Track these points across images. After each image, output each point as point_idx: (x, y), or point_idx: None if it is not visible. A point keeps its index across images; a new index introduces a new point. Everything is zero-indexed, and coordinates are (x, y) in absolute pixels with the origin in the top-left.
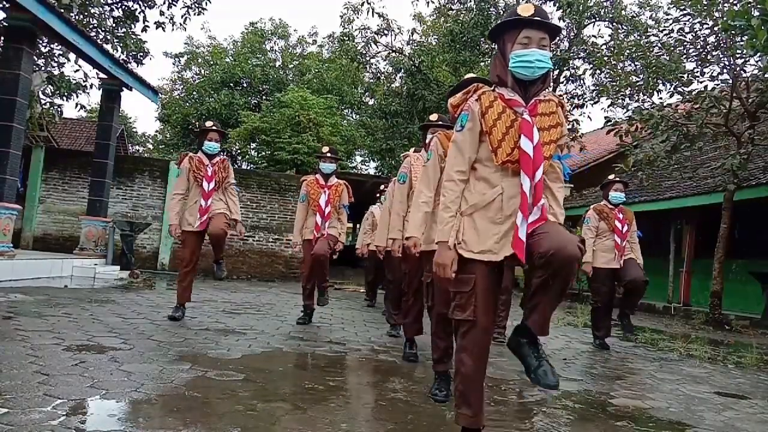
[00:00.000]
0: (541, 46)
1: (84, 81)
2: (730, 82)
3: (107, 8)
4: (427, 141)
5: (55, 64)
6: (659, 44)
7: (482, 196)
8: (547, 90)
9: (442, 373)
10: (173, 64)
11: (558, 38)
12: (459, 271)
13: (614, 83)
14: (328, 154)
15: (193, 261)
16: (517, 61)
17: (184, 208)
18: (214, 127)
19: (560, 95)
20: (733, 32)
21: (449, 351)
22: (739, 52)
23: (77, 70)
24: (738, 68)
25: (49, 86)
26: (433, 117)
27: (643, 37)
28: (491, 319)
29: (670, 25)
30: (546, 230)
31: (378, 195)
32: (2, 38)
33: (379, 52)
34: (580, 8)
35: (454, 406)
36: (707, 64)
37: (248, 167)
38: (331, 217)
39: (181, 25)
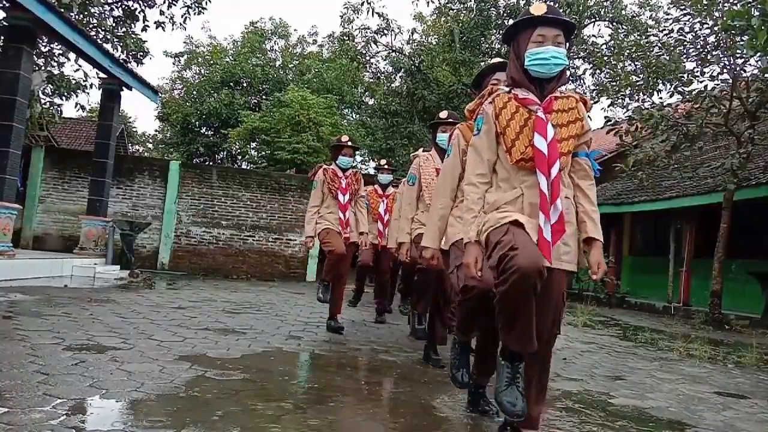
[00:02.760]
0: (557, 43)
1: (84, 81)
2: (730, 82)
3: (107, 8)
4: (437, 140)
5: (55, 64)
6: (659, 44)
7: (504, 195)
8: (565, 87)
9: (463, 344)
10: (173, 63)
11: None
12: (491, 238)
13: (614, 83)
14: (386, 166)
15: (341, 253)
16: (532, 60)
17: (318, 218)
18: (349, 143)
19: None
20: (733, 32)
21: (474, 326)
22: (739, 52)
23: (77, 70)
24: (738, 68)
25: (49, 86)
26: (443, 114)
27: (643, 37)
28: (538, 254)
29: (670, 25)
30: (539, 309)
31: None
32: (2, 38)
33: (379, 51)
34: (580, 8)
35: (501, 337)
36: (707, 64)
37: (248, 167)
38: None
39: (181, 24)
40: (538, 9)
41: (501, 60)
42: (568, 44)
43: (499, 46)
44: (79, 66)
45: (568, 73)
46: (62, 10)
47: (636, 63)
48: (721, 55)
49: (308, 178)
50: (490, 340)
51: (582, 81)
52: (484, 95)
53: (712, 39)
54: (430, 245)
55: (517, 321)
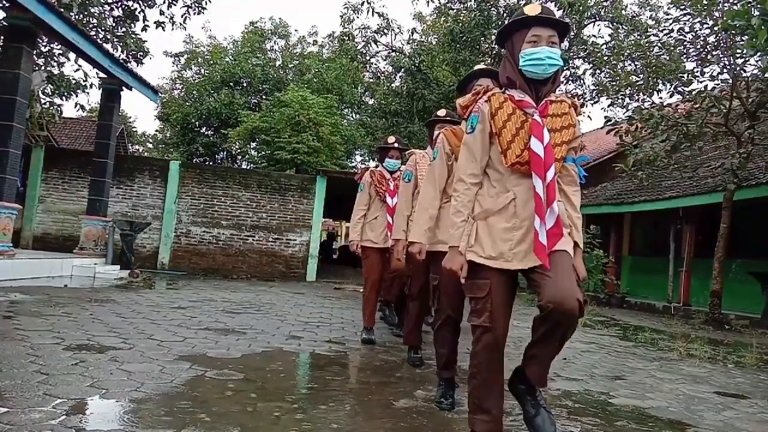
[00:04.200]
0: (551, 43)
1: (84, 81)
2: (730, 81)
3: (107, 7)
4: (434, 138)
5: (55, 64)
6: (659, 44)
7: (495, 201)
8: (559, 91)
9: (448, 380)
10: (173, 63)
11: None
12: (473, 277)
13: (614, 83)
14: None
15: (378, 278)
16: (527, 60)
17: (364, 222)
18: (395, 144)
19: (570, 95)
20: (733, 32)
21: (454, 357)
22: (739, 51)
23: (77, 70)
24: (738, 68)
25: (49, 85)
26: (441, 113)
27: (643, 37)
28: (506, 324)
29: (670, 24)
30: (549, 274)
31: None
32: (2, 38)
33: (379, 51)
34: (581, 8)
35: (468, 412)
36: (707, 64)
37: (248, 167)
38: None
39: (181, 24)
40: (532, 9)
41: (485, 66)
42: (568, 44)
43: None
44: (79, 66)
45: (567, 73)
46: (62, 10)
47: (636, 63)
48: (721, 55)
49: (355, 180)
50: (449, 334)
51: (582, 81)
52: (478, 92)
53: (712, 39)
54: (417, 239)
55: (490, 390)
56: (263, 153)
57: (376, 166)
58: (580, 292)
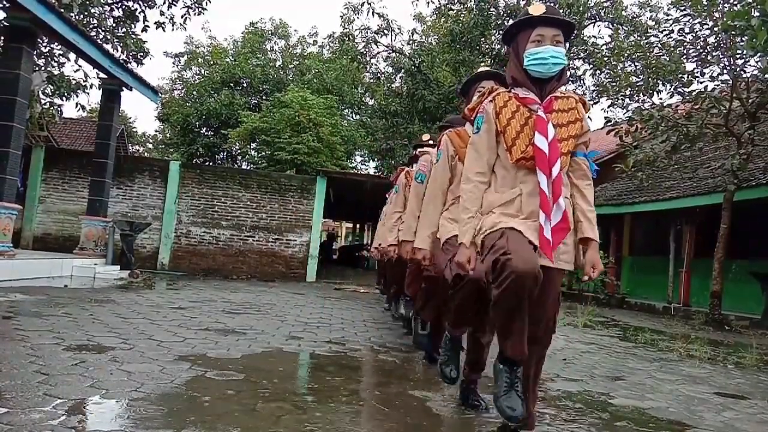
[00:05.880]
0: (556, 42)
1: (84, 81)
2: (730, 82)
3: (107, 8)
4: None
5: (55, 64)
6: (659, 45)
7: (501, 196)
8: (565, 87)
9: (454, 340)
10: (173, 63)
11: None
12: (487, 242)
13: (614, 84)
14: None
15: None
16: (531, 60)
17: (399, 224)
18: (431, 142)
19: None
20: (733, 33)
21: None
22: (739, 52)
23: (77, 70)
24: (738, 68)
25: (49, 86)
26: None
27: (643, 38)
28: (532, 259)
29: (670, 25)
30: (537, 300)
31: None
32: (2, 38)
33: (380, 52)
34: (581, 9)
35: (499, 343)
36: (707, 65)
37: (248, 167)
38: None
39: (181, 25)
40: (536, 9)
41: (487, 69)
42: (568, 44)
43: (499, 46)
44: (79, 66)
45: (568, 73)
46: (62, 10)
47: (636, 64)
48: (721, 56)
49: (390, 182)
50: (479, 337)
51: (582, 81)
52: (484, 94)
53: (712, 39)
54: (422, 246)
55: (513, 326)
56: (263, 153)
57: (411, 166)
58: (553, 326)
